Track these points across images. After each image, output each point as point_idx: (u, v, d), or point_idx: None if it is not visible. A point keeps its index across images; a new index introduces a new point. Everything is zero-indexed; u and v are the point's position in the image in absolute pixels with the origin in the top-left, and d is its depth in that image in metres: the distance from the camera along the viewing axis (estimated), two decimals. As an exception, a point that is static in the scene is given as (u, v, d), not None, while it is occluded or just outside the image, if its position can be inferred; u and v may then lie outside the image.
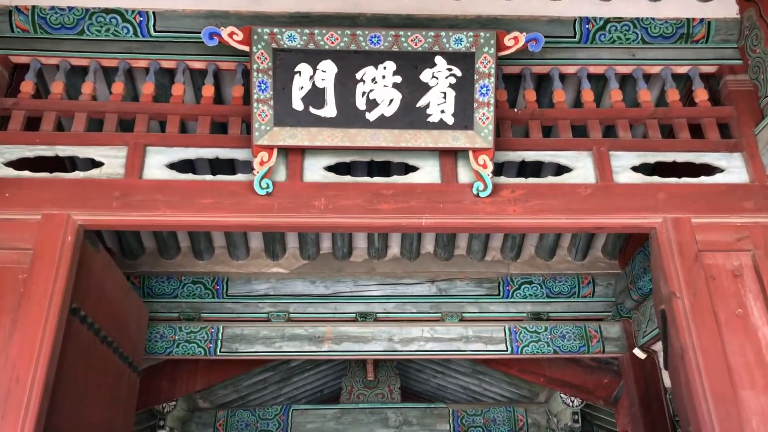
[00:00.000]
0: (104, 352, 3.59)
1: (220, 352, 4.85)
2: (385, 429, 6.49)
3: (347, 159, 3.30)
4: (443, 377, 7.56)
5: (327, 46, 3.07)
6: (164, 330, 4.87)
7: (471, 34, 3.09)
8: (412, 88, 3.10)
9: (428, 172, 3.26)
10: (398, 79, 3.10)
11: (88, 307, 3.29)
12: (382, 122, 3.10)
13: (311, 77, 3.09)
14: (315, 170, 3.25)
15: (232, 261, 5.07)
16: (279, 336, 4.94)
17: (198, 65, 3.54)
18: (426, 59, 3.09)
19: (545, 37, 3.30)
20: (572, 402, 5.93)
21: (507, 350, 4.95)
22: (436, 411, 6.56)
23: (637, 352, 4.84)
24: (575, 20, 3.61)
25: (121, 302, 3.92)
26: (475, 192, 3.16)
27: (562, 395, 5.95)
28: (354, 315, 5.09)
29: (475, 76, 3.10)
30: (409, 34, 3.07)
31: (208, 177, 3.25)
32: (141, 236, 4.88)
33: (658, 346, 4.78)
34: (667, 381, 4.80)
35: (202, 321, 4.96)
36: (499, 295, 5.11)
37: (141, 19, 3.51)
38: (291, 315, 5.03)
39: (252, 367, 5.91)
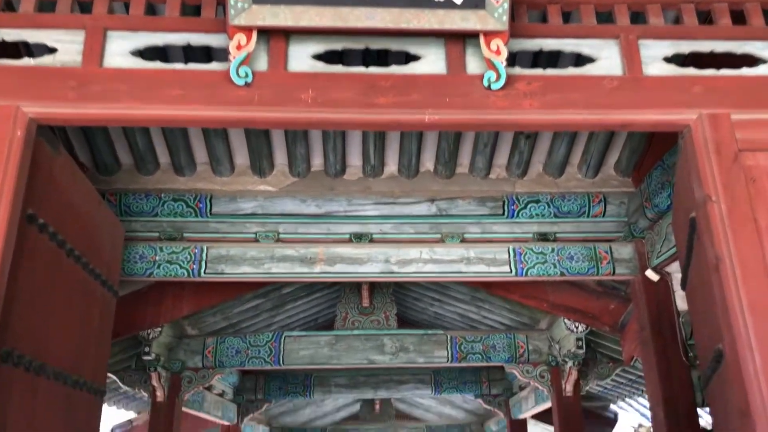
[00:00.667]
0: (72, 268, 3.25)
1: (204, 273, 4.53)
2: (381, 355, 6.27)
3: (338, 46, 2.88)
4: (441, 305, 7.33)
5: None
6: (144, 250, 4.54)
7: None
8: (413, -43, 2.66)
9: (432, 61, 2.85)
10: (398, -54, 2.65)
11: (48, 216, 2.92)
12: (379, -1, 2.66)
13: (296, -57, 2.63)
14: (301, 58, 2.84)
15: (216, 178, 4.70)
16: (268, 257, 4.62)
17: (166, -64, 3.06)
18: (431, -77, 2.63)
19: None
20: (576, 328, 5.70)
21: (511, 272, 4.65)
22: (434, 337, 6.34)
23: (649, 273, 4.55)
24: None
25: (92, 216, 3.56)
26: (485, 84, 2.76)
27: (565, 321, 5.72)
28: (348, 236, 4.76)
29: (488, -54, 2.64)
30: None
31: (178, 65, 2.84)
32: (116, 150, 4.49)
33: (672, 268, 4.50)
34: (680, 304, 4.54)
35: (185, 241, 4.62)
36: (503, 214, 4.76)
37: None
38: (281, 235, 4.69)
39: (241, 291, 5.62)
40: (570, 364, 5.89)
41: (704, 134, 2.72)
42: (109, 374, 6.17)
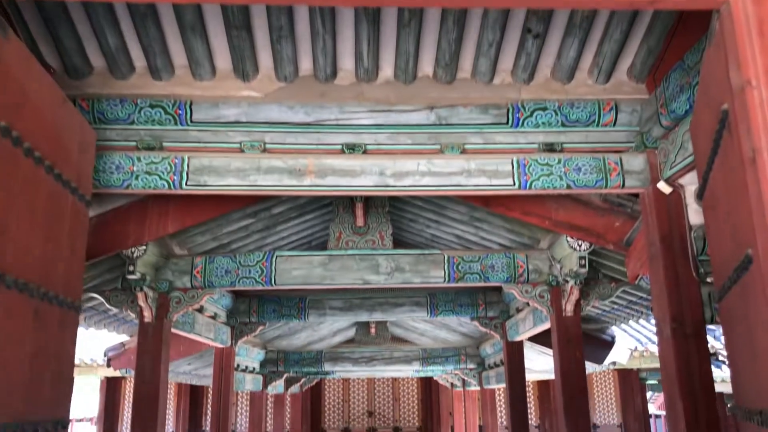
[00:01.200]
0: (32, 169, 2.93)
1: (186, 185, 4.23)
2: (376, 275, 6.07)
3: None
4: (438, 227, 7.09)
5: None
6: (120, 161, 4.22)
7: None
8: None
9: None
10: None
11: (-2, 108, 2.58)
12: None
13: None
14: None
15: (196, 82, 4.34)
16: (254, 168, 4.31)
17: None
18: None
19: None
20: (579, 246, 5.47)
21: (514, 185, 4.36)
22: (430, 257, 6.12)
23: (661, 186, 4.26)
24: None
25: (55, 115, 3.22)
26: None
27: (568, 239, 5.48)
28: (340, 146, 4.43)
29: None
30: None
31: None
32: (86, 50, 4.11)
33: (686, 179, 4.21)
34: (693, 218, 4.29)
35: (164, 151, 4.29)
36: (507, 123, 4.42)
37: None
38: (267, 145, 4.36)
39: (227, 207, 5.34)
40: (571, 283, 5.70)
41: (745, 10, 2.36)
42: (95, 294, 5.98)
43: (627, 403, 21.00)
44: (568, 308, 5.92)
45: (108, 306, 6.11)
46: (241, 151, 4.34)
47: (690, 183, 4.18)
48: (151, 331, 5.93)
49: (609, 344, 8.48)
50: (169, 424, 20.75)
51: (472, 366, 11.98)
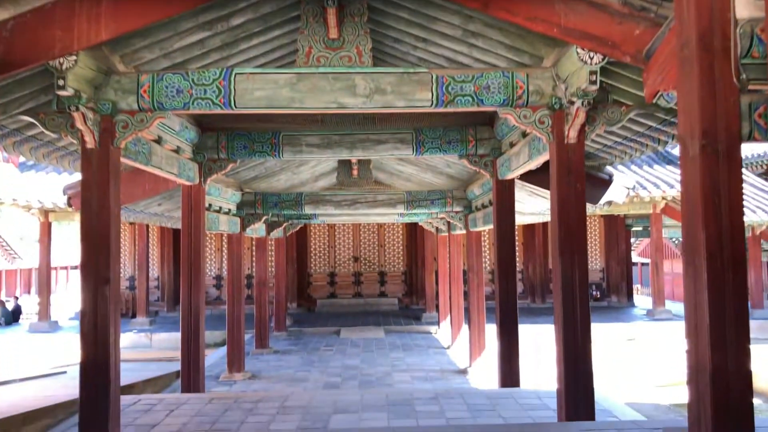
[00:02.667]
0: None
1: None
2: (352, 98, 5.26)
3: None
4: (426, 46, 6.13)
5: None
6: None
7: None
8: None
9: None
10: None
11: None
12: None
13: None
14: None
15: None
16: (189, -60, 3.35)
17: None
18: None
19: None
20: (590, 59, 4.64)
21: (520, -32, 3.45)
22: (416, 77, 5.27)
23: (706, -33, 3.38)
24: None
25: None
26: None
27: (578, 50, 4.63)
28: None
29: None
30: None
31: None
32: None
33: (738, -40, 3.35)
34: (740, 10, 3.46)
35: None
36: None
37: None
38: None
39: (171, 6, 4.41)
40: (578, 104, 4.93)
41: None
42: (24, 116, 5.17)
43: (611, 249, 21.20)
44: (572, 134, 5.20)
45: (46, 132, 5.32)
46: None
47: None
48: (95, 159, 5.19)
49: (606, 182, 7.92)
50: (153, 269, 20.82)
51: (458, 209, 11.53)
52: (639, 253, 31.53)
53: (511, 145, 7.29)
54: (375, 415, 6.42)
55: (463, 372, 10.80)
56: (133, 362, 12.51)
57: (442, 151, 7.98)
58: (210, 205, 9.30)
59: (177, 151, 7.26)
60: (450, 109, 5.35)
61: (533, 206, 10.44)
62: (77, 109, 4.89)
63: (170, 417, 6.51)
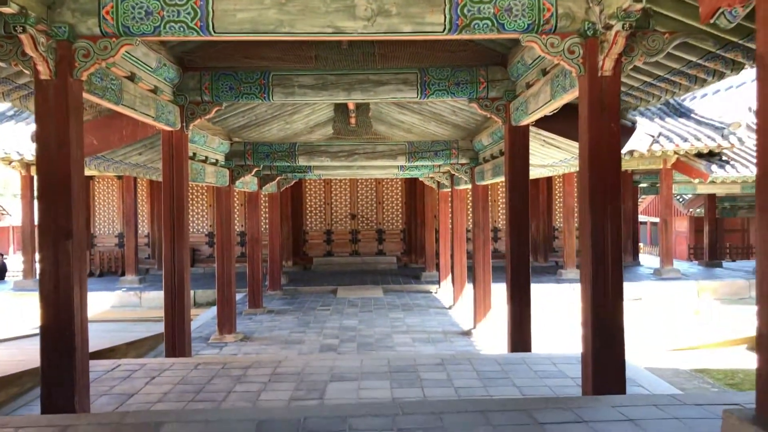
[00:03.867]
0: None
1: None
2: (351, 21, 4.47)
3: None
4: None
5: None
6: None
7: None
8: None
9: None
10: None
11: None
12: None
13: None
14: None
15: None
16: None
17: None
18: None
19: None
20: (637, -31, 3.87)
21: None
22: (426, -5, 4.50)
23: None
24: None
25: None
26: None
27: (623, -41, 3.86)
28: None
29: None
30: None
31: None
32: None
33: None
34: None
35: None
36: None
37: None
38: None
39: None
40: (617, 27, 4.17)
41: None
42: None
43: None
44: (606, 65, 4.46)
45: (-6, 62, 4.55)
46: None
47: None
48: (52, 92, 4.43)
49: (629, 130, 7.18)
50: (144, 225, 20.14)
51: (464, 161, 10.79)
52: (641, 211, 30.92)
53: (528, 86, 6.54)
54: (376, 383, 5.82)
55: (467, 333, 10.23)
56: (119, 323, 11.93)
57: (450, 93, 7.21)
58: (194, 154, 8.55)
59: (155, 91, 6.48)
60: (465, 36, 4.58)
61: (545, 158, 9.71)
62: (24, 30, 4.11)
63: (151, 385, 5.92)
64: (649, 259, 22.62)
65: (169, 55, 6.65)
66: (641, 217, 31.09)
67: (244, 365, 6.60)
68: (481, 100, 7.26)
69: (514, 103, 7.08)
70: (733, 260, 23.54)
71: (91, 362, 6.88)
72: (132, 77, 5.82)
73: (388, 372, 6.20)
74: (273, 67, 7.19)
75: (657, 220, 29.24)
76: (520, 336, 7.22)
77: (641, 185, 20.49)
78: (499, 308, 11.88)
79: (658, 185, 18.55)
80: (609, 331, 4.63)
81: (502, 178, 8.21)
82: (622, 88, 6.75)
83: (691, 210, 26.08)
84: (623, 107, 7.29)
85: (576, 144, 8.61)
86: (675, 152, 15.51)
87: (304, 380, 5.97)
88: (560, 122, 7.27)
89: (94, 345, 8.20)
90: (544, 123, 7.22)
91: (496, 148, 9.08)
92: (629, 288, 16.07)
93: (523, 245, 7.21)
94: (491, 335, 9.63)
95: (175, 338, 7.20)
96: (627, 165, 17.00)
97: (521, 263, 7.18)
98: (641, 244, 28.20)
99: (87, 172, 15.88)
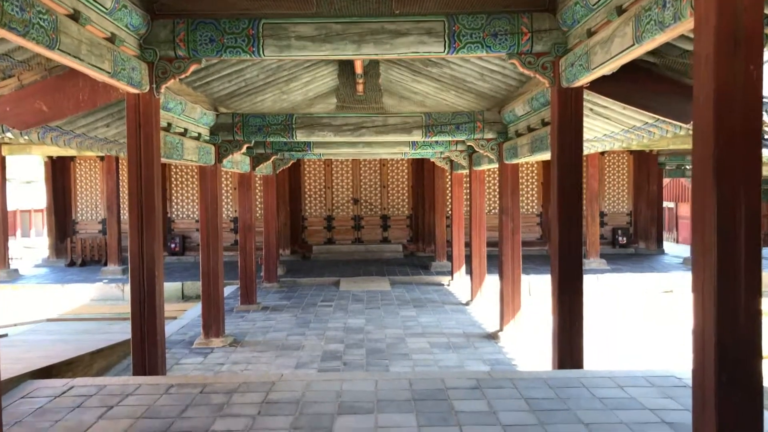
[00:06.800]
0: None
1: None
2: None
3: None
4: None
5: None
6: None
7: None
8: None
9: None
10: None
11: None
12: None
13: None
14: None
15: None
16: None
17: None
18: None
19: None
20: None
21: None
22: None
23: None
24: None
25: None
26: None
27: None
28: None
29: None
30: None
31: None
32: None
33: None
34: None
35: None
36: None
37: None
38: None
39: None
40: None
41: None
42: None
43: (640, 190, 19.14)
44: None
45: None
46: None
47: None
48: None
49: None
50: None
51: (490, 135, 9.32)
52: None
53: (590, 33, 5.11)
54: (397, 418, 4.45)
55: (494, 337, 8.86)
56: (95, 321, 10.55)
57: (485, 47, 5.77)
58: (170, 124, 7.11)
59: (112, 40, 5.04)
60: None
61: (586, 131, 8.26)
62: None
63: (105, 419, 4.54)
64: (672, 247, 21.26)
65: (131, -5, 5.21)
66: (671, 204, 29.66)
67: (228, 388, 5.22)
68: (522, 55, 5.83)
69: (566, 59, 5.65)
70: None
71: (38, 384, 5.51)
72: (76, 16, 4.38)
73: (411, 400, 4.83)
74: (264, 14, 5.74)
75: (672, 205, 27.82)
76: (569, 349, 5.84)
77: (667, 167, 19.08)
78: (529, 307, 10.56)
79: (684, 167, 17.16)
80: (743, 351, 3.23)
81: (544, 155, 6.81)
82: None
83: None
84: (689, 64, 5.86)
85: (633, 114, 7.14)
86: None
87: (304, 412, 4.60)
88: (620, 84, 5.86)
89: (48, 357, 6.80)
90: (596, 85, 5.81)
91: (536, 118, 7.63)
92: (657, 279, 14.75)
93: (574, 238, 5.85)
94: (522, 340, 8.28)
95: (145, 351, 5.82)
96: (655, 145, 15.59)
97: (572, 260, 5.81)
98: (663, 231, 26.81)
99: (66, 152, 14.39)
